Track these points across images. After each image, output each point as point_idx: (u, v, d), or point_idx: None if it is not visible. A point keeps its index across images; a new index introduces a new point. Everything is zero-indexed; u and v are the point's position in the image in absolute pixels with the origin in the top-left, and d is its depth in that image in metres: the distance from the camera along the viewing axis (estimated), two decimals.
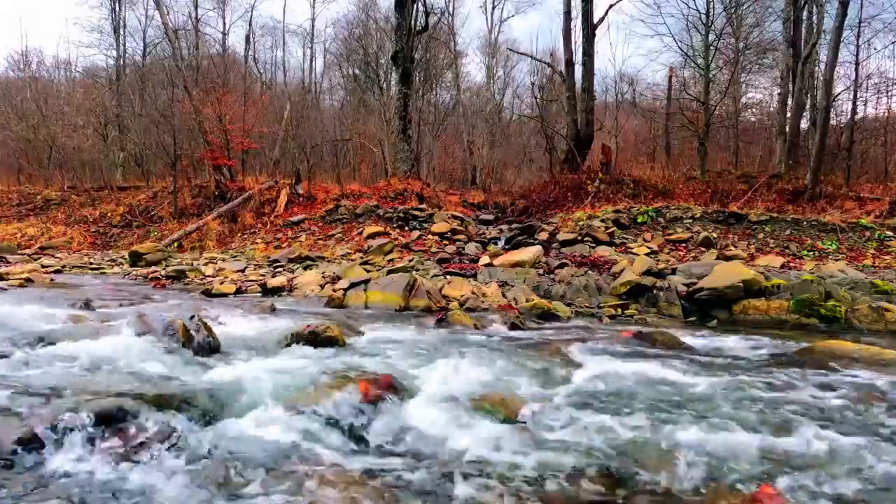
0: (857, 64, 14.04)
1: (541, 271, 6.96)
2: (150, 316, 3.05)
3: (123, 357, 2.54)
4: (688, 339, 3.71)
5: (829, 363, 2.89)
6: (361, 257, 9.29)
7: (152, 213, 14.13)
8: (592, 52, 14.17)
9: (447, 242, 10.34)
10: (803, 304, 4.76)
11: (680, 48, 17.23)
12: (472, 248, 9.79)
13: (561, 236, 9.68)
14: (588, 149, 14.38)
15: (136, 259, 9.33)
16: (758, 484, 1.55)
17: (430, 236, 10.66)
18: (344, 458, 1.70)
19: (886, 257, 8.66)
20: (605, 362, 2.98)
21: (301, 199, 13.45)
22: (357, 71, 24.90)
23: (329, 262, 8.83)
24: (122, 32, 21.99)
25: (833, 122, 13.82)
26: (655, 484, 1.57)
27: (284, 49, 29.97)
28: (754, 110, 20.21)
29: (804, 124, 15.18)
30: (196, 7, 22.55)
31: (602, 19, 14.34)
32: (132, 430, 1.69)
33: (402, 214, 11.70)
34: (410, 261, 8.44)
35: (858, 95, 14.69)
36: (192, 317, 2.97)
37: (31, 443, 1.58)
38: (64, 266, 8.79)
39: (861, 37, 14.01)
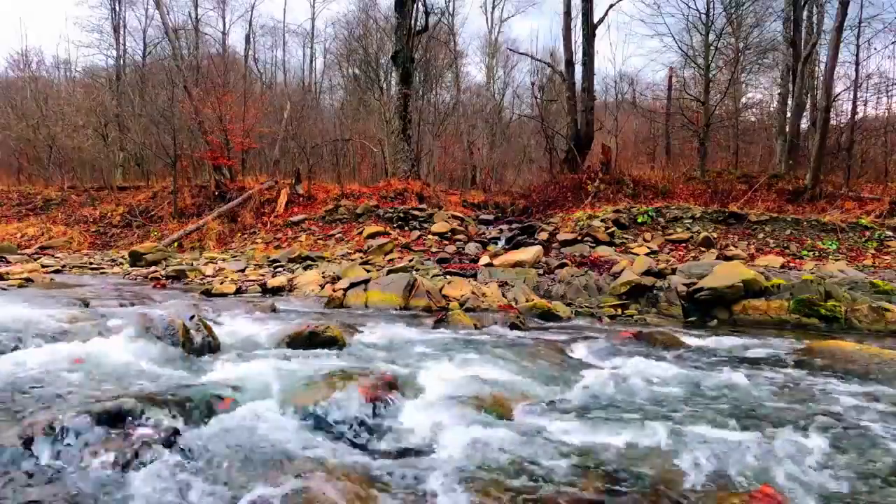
0: (857, 64, 14.05)
1: (541, 271, 6.96)
2: (150, 316, 3.05)
3: (123, 357, 2.53)
4: (688, 339, 3.71)
5: (828, 363, 2.90)
6: (361, 257, 9.29)
7: (152, 213, 14.13)
8: (592, 52, 14.16)
9: (447, 242, 10.34)
10: (803, 304, 4.76)
11: (680, 48, 17.27)
12: (472, 248, 9.79)
13: (561, 236, 9.69)
14: (588, 149, 14.37)
15: (136, 259, 9.33)
16: (757, 484, 1.55)
17: (430, 236, 10.66)
18: (344, 457, 1.70)
19: (886, 257, 8.66)
20: (605, 362, 2.98)
21: (301, 199, 13.45)
22: (357, 71, 24.88)
23: (329, 261, 8.83)
24: (122, 32, 21.97)
25: (833, 122, 13.80)
26: (655, 484, 1.57)
27: (284, 49, 29.89)
28: (754, 110, 20.23)
29: (804, 124, 15.18)
30: (196, 7, 22.56)
31: (602, 19, 14.35)
32: (132, 430, 1.69)
33: (402, 214, 11.70)
34: (410, 261, 8.44)
35: (858, 95, 14.69)
36: (192, 317, 2.97)
37: (32, 443, 1.58)
38: (64, 266, 8.79)
39: (861, 37, 14.03)
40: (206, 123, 14.24)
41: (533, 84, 20.87)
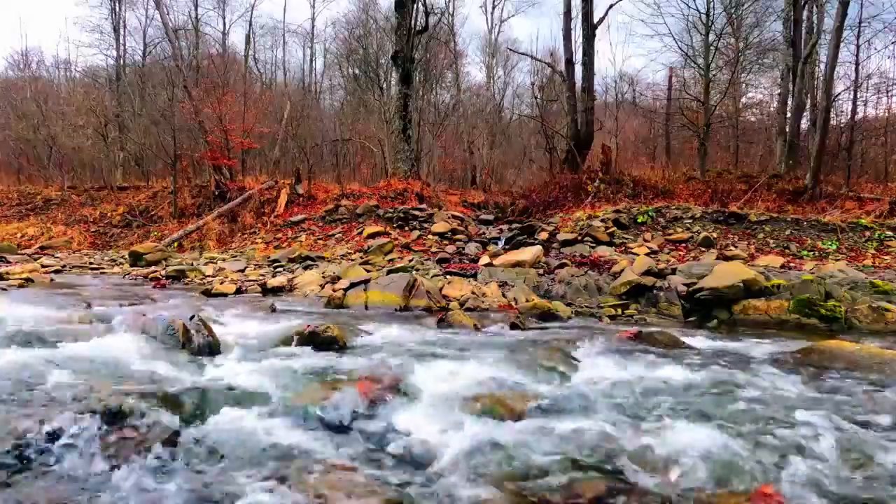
0: (857, 64, 14.08)
1: (541, 271, 6.95)
2: (150, 316, 3.05)
3: (123, 357, 2.53)
4: (688, 339, 3.70)
5: (828, 363, 2.89)
6: (361, 257, 9.29)
7: (152, 213, 14.13)
8: (592, 52, 14.17)
9: (447, 242, 10.34)
10: (803, 304, 4.76)
11: (680, 48, 17.28)
12: (472, 248, 9.78)
13: (561, 236, 9.68)
14: (588, 149, 14.37)
15: (136, 259, 9.33)
16: (757, 484, 1.55)
17: (430, 236, 10.66)
18: (343, 458, 1.70)
19: (886, 257, 8.65)
20: (605, 362, 2.98)
21: (301, 199, 13.45)
22: (357, 71, 24.90)
23: (329, 262, 8.83)
24: (122, 32, 21.99)
25: (833, 122, 13.82)
26: (656, 484, 1.57)
27: (284, 49, 29.88)
28: (754, 110, 20.24)
29: (804, 124, 15.18)
30: (196, 7, 22.58)
31: (602, 19, 14.34)
32: (132, 430, 1.69)
33: (402, 214, 11.70)
34: (410, 261, 8.44)
35: (858, 95, 14.71)
36: (192, 317, 2.97)
37: (31, 442, 1.58)
38: (64, 266, 8.79)
39: (861, 37, 14.06)
40: (205, 123, 14.24)
41: (533, 84, 20.91)
